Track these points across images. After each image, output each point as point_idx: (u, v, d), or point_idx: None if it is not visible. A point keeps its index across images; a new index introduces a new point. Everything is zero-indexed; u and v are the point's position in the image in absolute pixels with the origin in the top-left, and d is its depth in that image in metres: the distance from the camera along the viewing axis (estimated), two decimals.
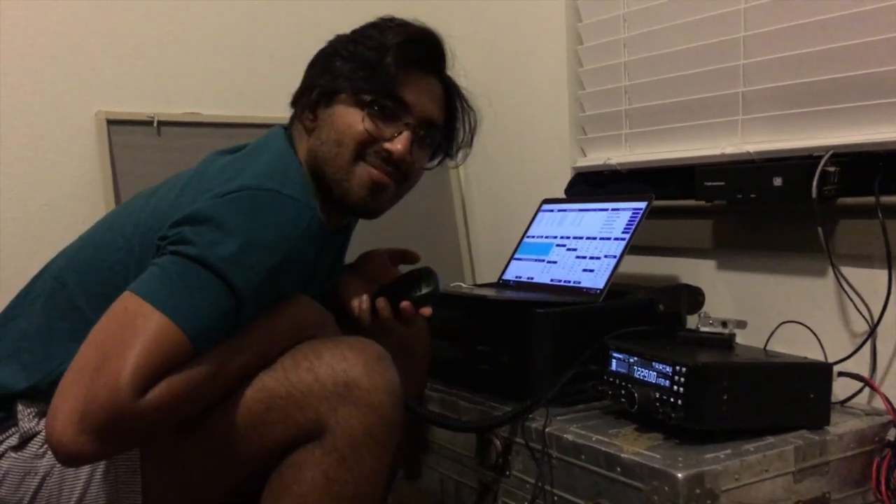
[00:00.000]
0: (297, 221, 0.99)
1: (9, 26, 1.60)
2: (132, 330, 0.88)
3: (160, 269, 0.93)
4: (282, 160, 1.08)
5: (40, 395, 0.99)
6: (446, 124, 1.20)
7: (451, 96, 1.19)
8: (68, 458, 0.87)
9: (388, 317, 1.16)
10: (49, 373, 0.99)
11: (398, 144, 1.10)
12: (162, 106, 1.73)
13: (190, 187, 1.06)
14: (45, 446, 0.97)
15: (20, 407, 1.01)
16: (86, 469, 0.97)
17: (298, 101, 1.16)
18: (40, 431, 0.99)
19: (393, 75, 1.09)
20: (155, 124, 1.70)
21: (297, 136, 1.15)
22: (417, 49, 1.12)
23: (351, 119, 1.10)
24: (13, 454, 0.98)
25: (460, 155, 1.25)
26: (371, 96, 1.09)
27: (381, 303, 1.16)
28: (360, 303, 1.17)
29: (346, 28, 1.17)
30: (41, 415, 0.99)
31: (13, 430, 1.00)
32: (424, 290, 1.16)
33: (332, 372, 0.96)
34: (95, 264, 1.05)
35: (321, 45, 1.17)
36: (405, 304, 1.15)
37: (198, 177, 1.08)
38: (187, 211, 0.97)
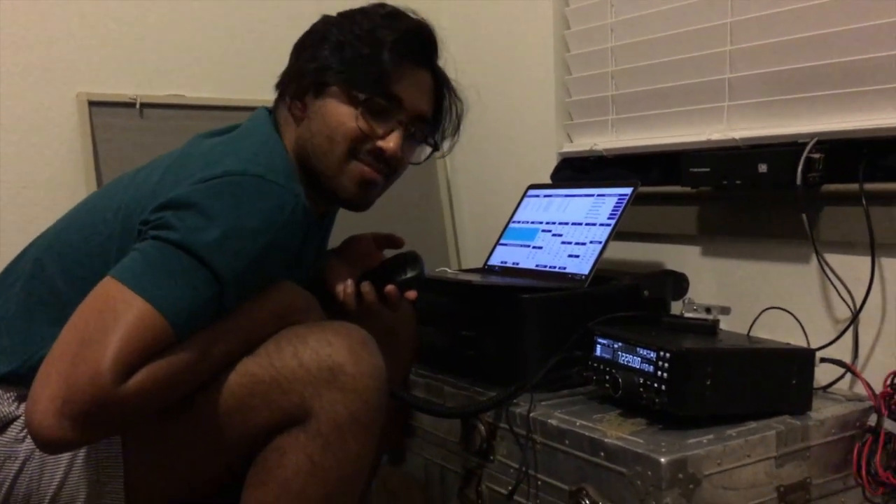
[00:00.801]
0: (282, 207, 0.98)
1: None
2: (113, 316, 0.87)
3: (142, 255, 0.92)
4: (267, 145, 1.07)
5: (20, 380, 0.98)
6: (434, 115, 1.19)
7: (441, 87, 1.18)
8: (48, 445, 0.87)
9: (373, 301, 1.15)
10: (28, 358, 0.99)
11: (391, 143, 1.09)
12: (145, 88, 1.71)
13: (173, 171, 1.04)
14: (26, 430, 0.96)
15: None
16: (67, 453, 0.96)
17: (286, 86, 1.14)
18: (20, 416, 0.98)
19: (388, 73, 1.08)
20: (137, 106, 1.68)
21: (283, 122, 1.13)
22: (412, 44, 1.11)
23: (343, 116, 1.08)
24: None
25: (447, 145, 1.24)
26: (365, 94, 1.08)
27: (366, 287, 1.16)
28: (345, 287, 1.16)
29: (333, 10, 1.15)
30: (21, 399, 0.98)
31: None
32: (409, 274, 1.16)
33: (317, 357, 0.95)
34: (76, 247, 1.04)
35: (307, 26, 1.16)
36: (390, 287, 1.15)
37: (181, 160, 1.07)
38: (170, 195, 0.96)
